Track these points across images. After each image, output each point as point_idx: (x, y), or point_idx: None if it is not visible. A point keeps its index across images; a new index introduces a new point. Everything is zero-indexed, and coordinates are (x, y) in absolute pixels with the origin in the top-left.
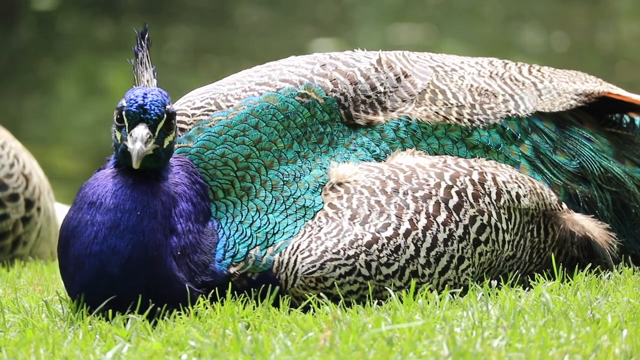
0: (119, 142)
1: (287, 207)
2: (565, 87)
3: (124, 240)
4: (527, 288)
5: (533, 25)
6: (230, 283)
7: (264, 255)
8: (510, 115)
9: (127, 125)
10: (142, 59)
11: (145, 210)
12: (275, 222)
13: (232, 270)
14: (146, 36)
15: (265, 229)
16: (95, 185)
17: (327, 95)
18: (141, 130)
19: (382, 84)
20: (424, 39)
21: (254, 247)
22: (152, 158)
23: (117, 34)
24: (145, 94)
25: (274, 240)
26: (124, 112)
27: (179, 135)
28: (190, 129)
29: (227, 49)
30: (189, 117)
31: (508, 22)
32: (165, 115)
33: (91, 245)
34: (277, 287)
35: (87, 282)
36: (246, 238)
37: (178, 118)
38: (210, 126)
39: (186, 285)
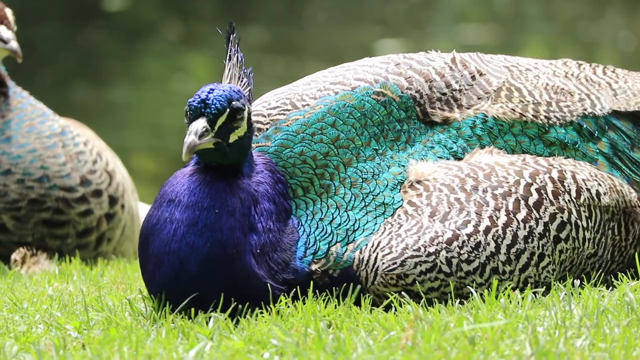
0: None
1: (366, 204)
2: None
3: (202, 238)
4: (610, 287)
5: (600, 24)
6: (311, 281)
7: (345, 252)
8: (586, 113)
9: (187, 121)
10: (229, 57)
11: (224, 208)
12: (355, 219)
13: (313, 267)
14: (233, 35)
15: (346, 225)
16: (175, 183)
17: (402, 93)
18: (198, 124)
19: (457, 82)
20: (491, 39)
21: (335, 244)
22: (217, 153)
23: (187, 35)
24: (212, 89)
25: (354, 237)
26: (187, 107)
27: (257, 135)
28: (267, 129)
29: (292, 49)
30: (265, 117)
31: (575, 22)
32: (227, 110)
33: (170, 242)
34: (359, 286)
35: (167, 280)
36: (327, 235)
37: (254, 118)
38: (287, 125)
39: (267, 283)
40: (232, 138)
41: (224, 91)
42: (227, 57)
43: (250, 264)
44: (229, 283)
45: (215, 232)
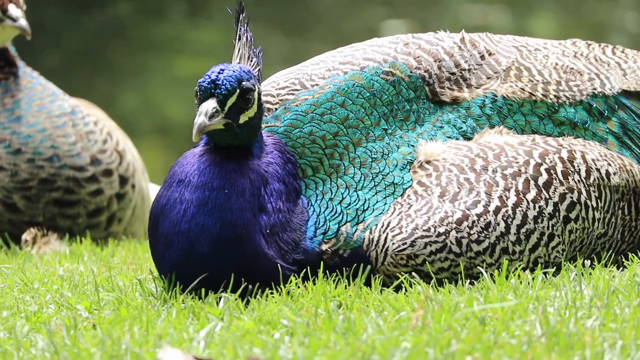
0: None
1: (376, 184)
2: None
3: (212, 219)
4: (620, 268)
5: (607, 5)
6: (322, 261)
7: (355, 231)
8: (596, 92)
9: (197, 101)
10: (239, 37)
11: (233, 188)
12: (365, 199)
13: (323, 247)
14: (242, 15)
15: (355, 205)
16: (184, 164)
17: (411, 72)
18: (208, 105)
19: (466, 62)
20: (497, 20)
21: (345, 223)
22: (227, 134)
23: (194, 16)
24: (222, 70)
25: (364, 217)
26: (196, 88)
27: (266, 115)
28: (276, 109)
29: (298, 30)
30: (274, 97)
31: (581, 2)
32: (237, 91)
33: (180, 223)
34: (369, 267)
35: (177, 260)
36: (336, 215)
37: (263, 98)
38: (296, 105)
39: (277, 263)
40: (242, 119)
41: (234, 71)
42: (237, 37)
43: (260, 244)
44: (239, 263)
45: (225, 212)
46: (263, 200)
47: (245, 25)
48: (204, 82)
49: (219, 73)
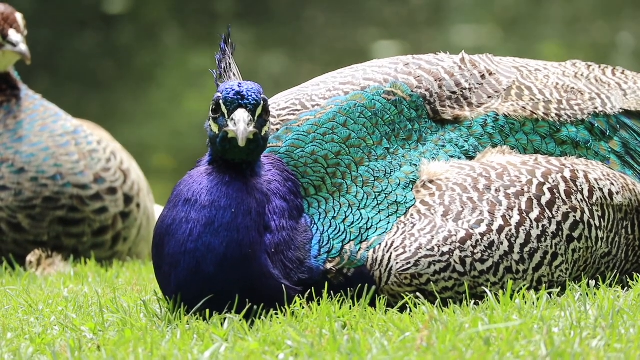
0: (218, 132)
1: (379, 202)
2: None
3: (218, 238)
4: (625, 288)
5: (597, 26)
6: (327, 281)
7: (359, 250)
8: (597, 112)
9: (226, 112)
10: (226, 64)
11: (240, 208)
12: (368, 218)
13: (328, 266)
14: (229, 40)
15: (359, 224)
16: (191, 183)
17: (412, 92)
18: (242, 114)
19: (466, 81)
20: (490, 41)
21: (348, 242)
22: (252, 145)
23: (189, 38)
24: (240, 84)
25: (368, 236)
26: (221, 101)
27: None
28: (278, 129)
29: (289, 51)
30: (275, 117)
31: (573, 23)
32: (262, 102)
33: (186, 242)
34: (374, 287)
35: (183, 280)
36: (340, 233)
37: None
38: (298, 126)
39: (282, 283)
40: (263, 131)
41: (254, 85)
42: (229, 55)
43: (265, 264)
44: (245, 283)
45: (232, 231)
46: (267, 219)
47: (230, 50)
48: (228, 94)
49: (239, 85)
